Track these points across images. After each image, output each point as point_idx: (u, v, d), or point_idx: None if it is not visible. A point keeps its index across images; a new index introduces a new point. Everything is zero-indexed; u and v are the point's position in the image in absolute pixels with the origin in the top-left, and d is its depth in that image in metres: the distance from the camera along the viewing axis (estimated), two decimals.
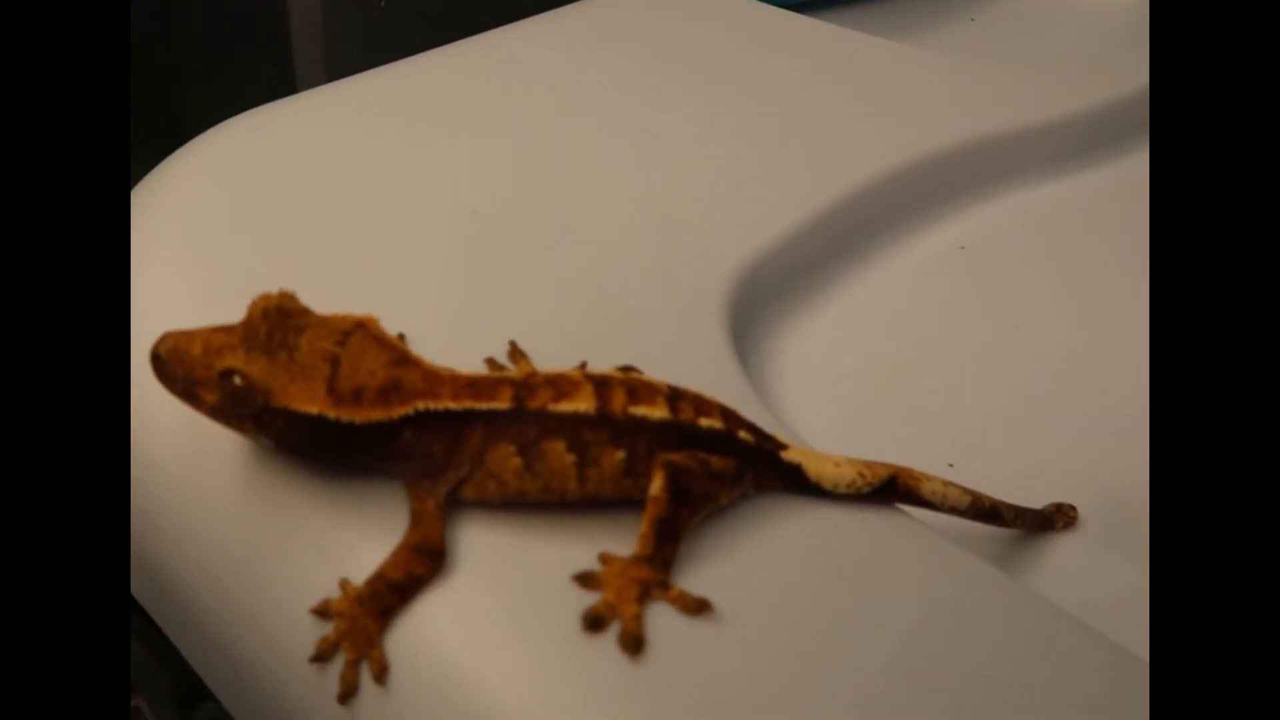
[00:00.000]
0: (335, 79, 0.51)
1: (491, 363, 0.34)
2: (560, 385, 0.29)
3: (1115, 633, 0.31)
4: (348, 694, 0.28)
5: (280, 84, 0.65)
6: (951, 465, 0.40)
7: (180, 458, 0.31)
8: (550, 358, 0.35)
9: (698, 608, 0.28)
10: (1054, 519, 0.38)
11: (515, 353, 0.35)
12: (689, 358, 0.37)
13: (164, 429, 0.32)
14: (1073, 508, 0.38)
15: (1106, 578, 0.37)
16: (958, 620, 0.31)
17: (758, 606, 0.29)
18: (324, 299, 0.30)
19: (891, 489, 0.33)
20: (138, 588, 0.33)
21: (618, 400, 0.30)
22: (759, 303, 0.43)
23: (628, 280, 0.40)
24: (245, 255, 0.38)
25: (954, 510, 0.34)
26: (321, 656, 0.28)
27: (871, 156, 0.50)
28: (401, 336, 0.34)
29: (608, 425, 0.29)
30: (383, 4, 0.62)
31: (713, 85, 0.53)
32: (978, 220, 0.52)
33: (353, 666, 0.28)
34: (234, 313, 0.30)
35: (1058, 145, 0.55)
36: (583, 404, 0.29)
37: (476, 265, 0.39)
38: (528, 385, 0.29)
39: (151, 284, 0.36)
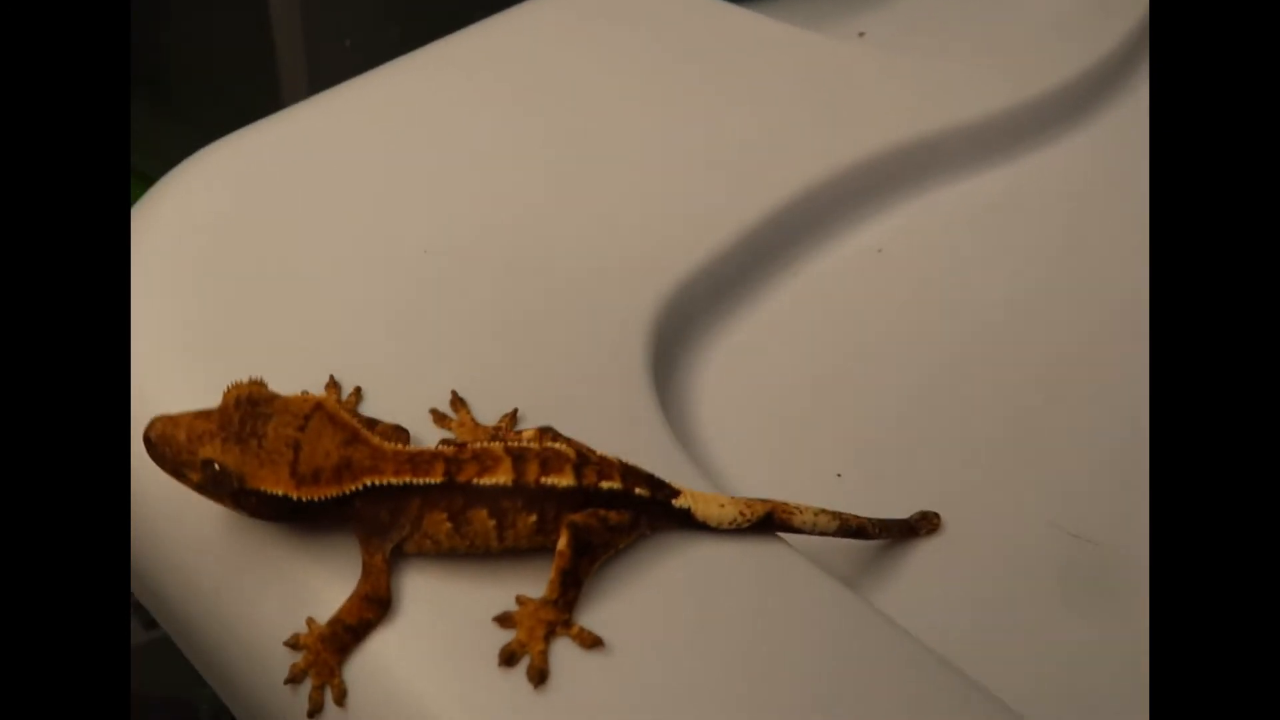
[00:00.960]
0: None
1: (435, 413, 0.41)
2: (484, 460, 0.36)
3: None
4: (314, 712, 0.35)
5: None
6: (839, 475, 0.47)
7: (178, 504, 0.38)
8: (489, 400, 0.41)
9: (593, 643, 0.36)
10: (918, 527, 0.44)
11: (456, 402, 0.41)
12: (611, 400, 0.43)
13: (163, 479, 0.38)
14: (936, 515, 0.45)
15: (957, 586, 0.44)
16: (813, 640, 0.38)
17: (643, 635, 0.36)
18: (278, 350, 0.37)
19: (769, 522, 0.40)
20: (147, 601, 0.40)
21: (531, 472, 0.36)
22: (684, 321, 0.49)
23: (559, 313, 0.46)
24: (208, 303, 0.43)
25: (825, 533, 0.41)
26: (293, 679, 0.35)
27: (795, 167, 0.54)
28: (358, 390, 0.41)
29: (522, 494, 0.36)
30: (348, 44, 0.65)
31: (628, 96, 0.55)
32: (896, 221, 0.57)
33: (318, 691, 0.35)
34: (193, 354, 0.37)
35: (978, 142, 0.59)
36: (502, 477, 0.36)
37: (425, 308, 0.44)
38: (457, 461, 0.36)
39: None
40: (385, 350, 0.43)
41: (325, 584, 0.36)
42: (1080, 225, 0.57)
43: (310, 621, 0.36)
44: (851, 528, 0.42)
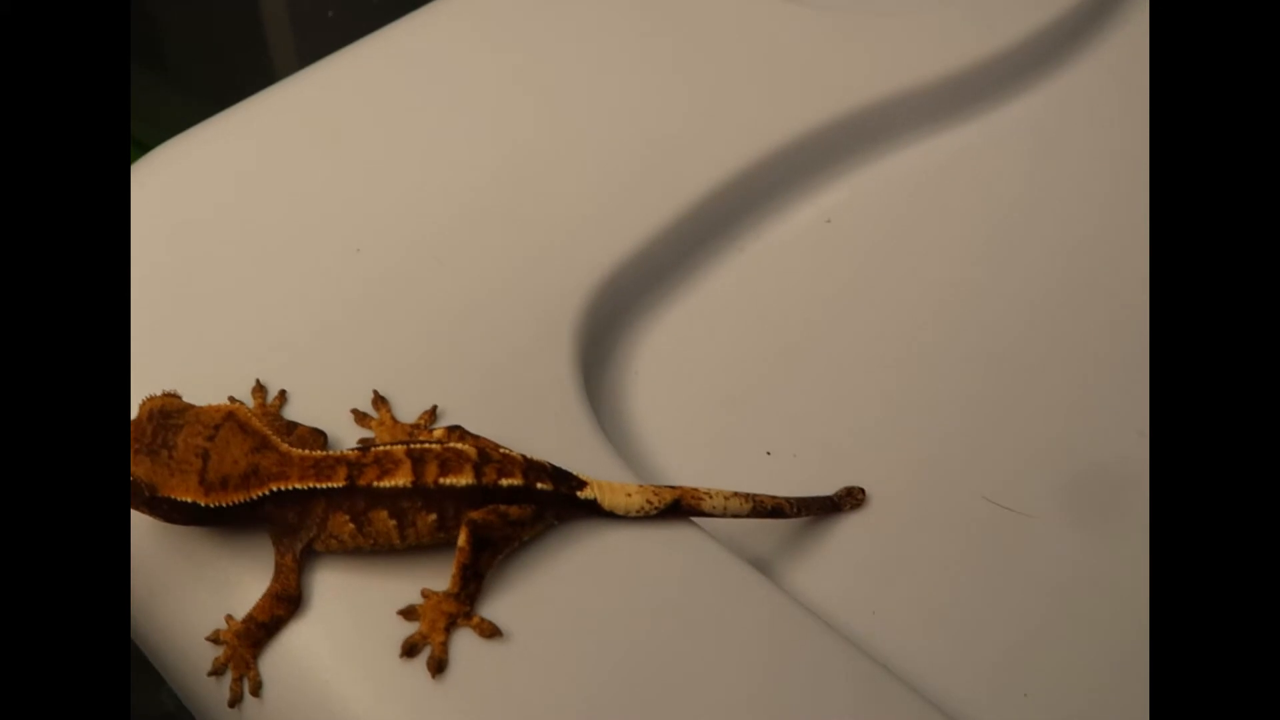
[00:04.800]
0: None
1: (356, 413, 0.43)
2: (384, 464, 0.38)
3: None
4: (234, 701, 0.38)
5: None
6: (769, 453, 0.48)
7: None
8: (415, 397, 0.43)
9: (491, 633, 0.38)
10: (841, 502, 0.45)
11: (377, 400, 0.43)
12: (535, 393, 0.44)
13: None
14: (861, 490, 0.46)
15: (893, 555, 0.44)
16: (716, 624, 0.39)
17: (544, 624, 0.38)
18: (210, 348, 0.39)
19: (678, 508, 0.41)
20: None
21: (430, 473, 0.38)
22: (618, 307, 0.50)
23: (488, 306, 0.47)
24: (151, 297, 0.45)
25: (739, 515, 0.43)
26: (215, 672, 0.38)
27: (739, 141, 0.53)
28: (282, 393, 0.43)
29: (421, 495, 0.38)
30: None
31: (565, 77, 0.55)
32: (845, 190, 0.57)
33: (237, 682, 0.38)
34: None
35: (927, 106, 0.59)
36: (401, 479, 0.38)
37: (356, 307, 0.46)
38: (359, 465, 0.38)
39: None
40: (313, 350, 0.44)
41: (243, 582, 0.39)
42: (1032, 188, 0.57)
43: (229, 618, 0.38)
44: (766, 508, 0.43)
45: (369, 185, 0.51)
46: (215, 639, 0.38)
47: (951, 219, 0.56)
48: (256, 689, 0.37)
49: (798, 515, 0.44)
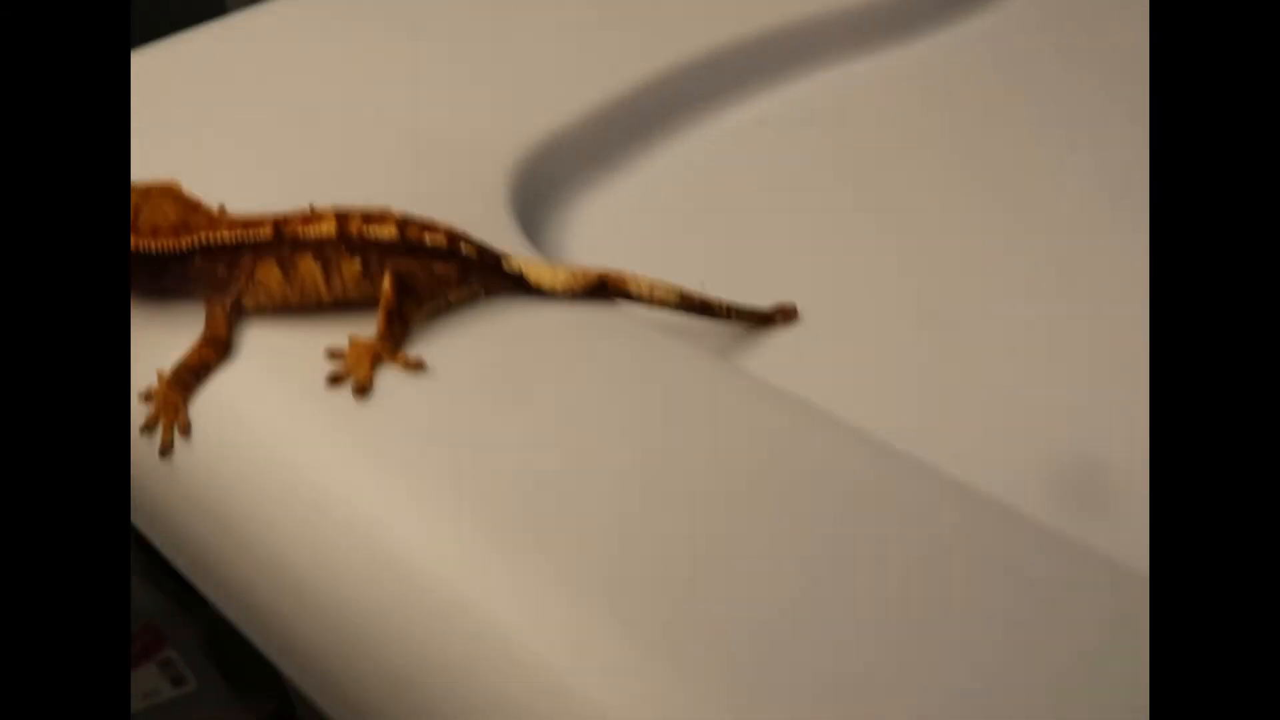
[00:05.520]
0: None
1: None
2: (310, 217, 0.40)
3: None
4: (165, 449, 0.38)
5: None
6: (703, 282, 0.49)
7: None
8: None
9: (415, 365, 0.38)
10: (773, 316, 0.46)
11: None
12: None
13: None
14: (793, 306, 0.47)
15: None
16: (653, 387, 0.40)
17: (469, 370, 0.39)
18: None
19: (604, 289, 0.43)
20: None
21: (354, 225, 0.40)
22: (549, 181, 0.52)
23: (418, 168, 0.49)
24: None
25: (665, 304, 0.44)
26: (148, 426, 0.39)
27: (676, 40, 0.57)
28: (222, 207, 0.45)
29: (345, 243, 0.39)
30: None
31: None
32: (782, 98, 0.60)
33: (167, 429, 0.38)
34: None
35: (863, 26, 0.62)
36: (325, 229, 0.39)
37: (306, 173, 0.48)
38: (286, 220, 0.40)
39: None
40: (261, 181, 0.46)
41: (174, 348, 0.40)
42: (978, 106, 0.60)
43: (160, 372, 0.39)
44: (695, 303, 0.44)
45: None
46: (147, 395, 0.39)
47: (884, 132, 0.58)
48: (186, 429, 0.38)
49: (727, 319, 0.45)
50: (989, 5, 0.66)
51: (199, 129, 0.51)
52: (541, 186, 0.52)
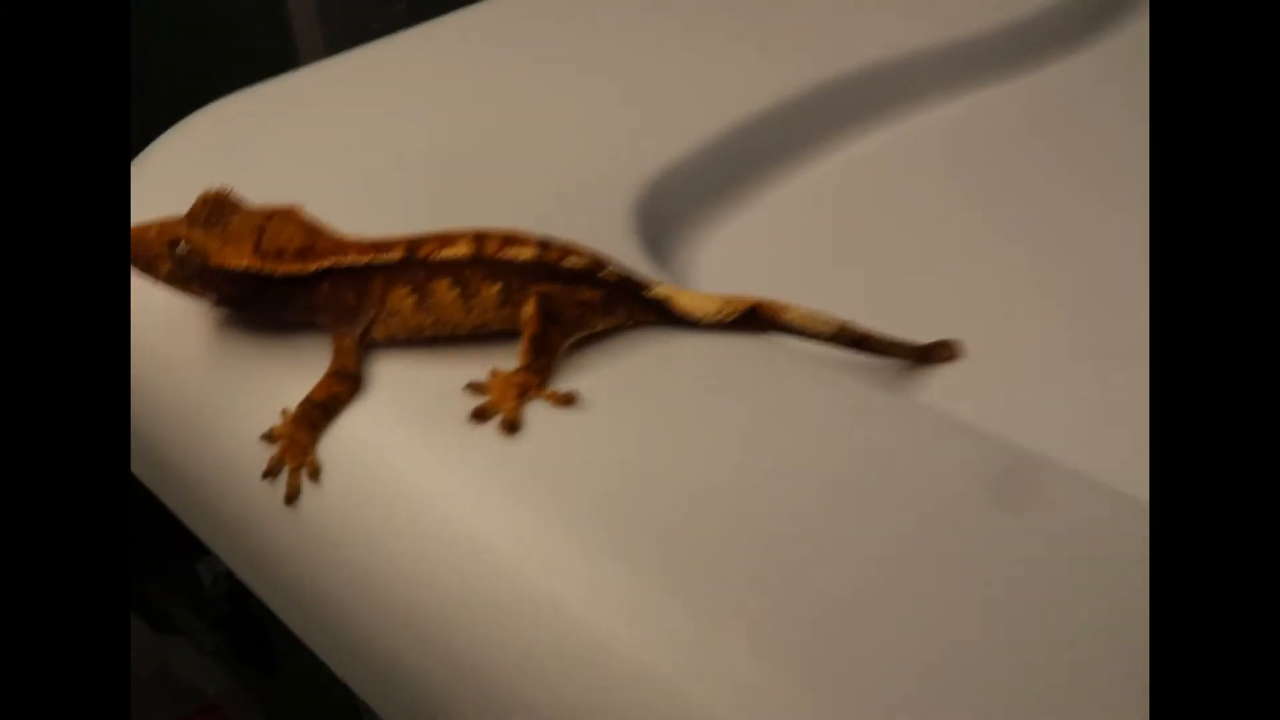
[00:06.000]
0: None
1: None
2: (444, 238, 0.36)
3: None
4: (292, 495, 0.34)
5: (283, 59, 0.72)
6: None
7: (155, 332, 0.38)
8: None
9: (566, 400, 0.35)
10: (934, 352, 0.42)
11: None
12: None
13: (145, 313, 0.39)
14: (956, 342, 0.43)
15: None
16: (808, 416, 0.36)
17: (621, 404, 0.35)
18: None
19: (755, 318, 0.39)
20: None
21: (492, 246, 0.36)
22: (675, 209, 0.49)
23: (545, 203, 0.46)
24: None
25: (820, 335, 0.40)
26: (271, 471, 0.35)
27: (807, 65, 0.54)
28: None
29: (483, 265, 0.36)
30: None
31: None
32: (897, 133, 0.56)
33: (295, 473, 0.35)
34: None
35: (992, 52, 0.59)
36: (461, 250, 0.36)
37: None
38: (417, 240, 0.36)
39: None
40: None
41: (299, 383, 0.36)
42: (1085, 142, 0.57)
43: (284, 411, 0.36)
44: (854, 336, 0.40)
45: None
46: (270, 436, 0.35)
47: (1007, 164, 0.55)
48: (316, 473, 0.34)
49: (885, 354, 0.41)
50: (1123, 26, 0.63)
51: (320, 160, 0.48)
52: (667, 215, 0.48)
